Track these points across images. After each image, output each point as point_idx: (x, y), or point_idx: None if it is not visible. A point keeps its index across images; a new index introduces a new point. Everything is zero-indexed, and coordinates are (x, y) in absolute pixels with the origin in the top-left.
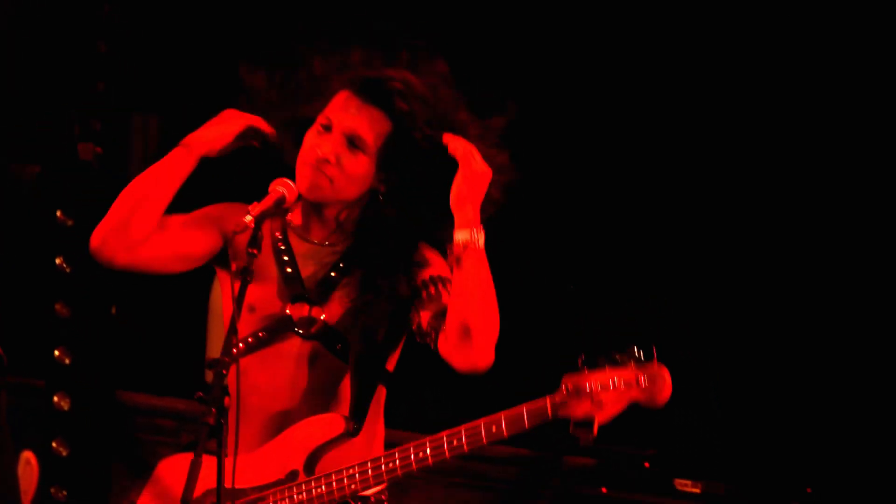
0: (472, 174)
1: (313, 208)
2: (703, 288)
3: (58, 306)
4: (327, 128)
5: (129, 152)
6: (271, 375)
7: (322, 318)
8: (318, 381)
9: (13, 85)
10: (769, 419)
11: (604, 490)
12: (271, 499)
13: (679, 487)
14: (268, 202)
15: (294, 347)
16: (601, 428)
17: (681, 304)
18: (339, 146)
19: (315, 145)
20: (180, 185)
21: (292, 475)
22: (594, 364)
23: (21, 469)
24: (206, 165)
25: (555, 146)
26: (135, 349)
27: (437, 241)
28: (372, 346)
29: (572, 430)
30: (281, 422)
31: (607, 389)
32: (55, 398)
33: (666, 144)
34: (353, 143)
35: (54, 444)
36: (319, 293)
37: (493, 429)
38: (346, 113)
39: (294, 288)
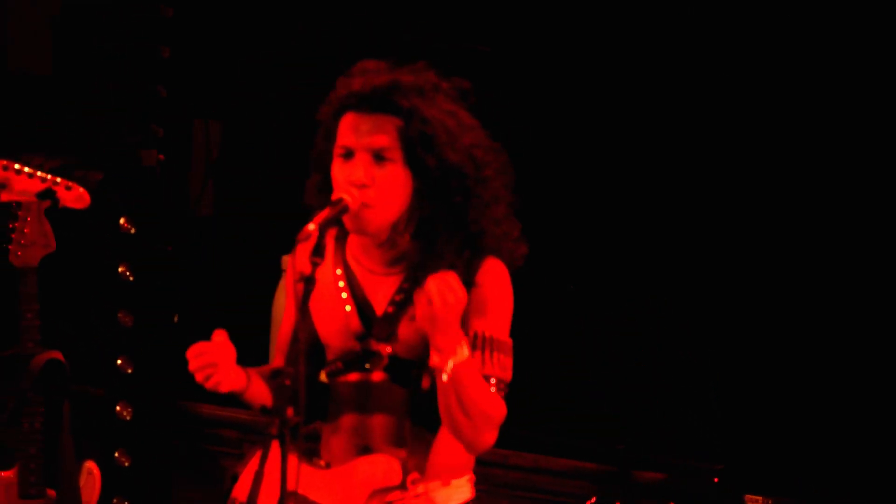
0: (421, 316)
1: (370, 241)
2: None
3: (120, 315)
4: (349, 154)
5: (190, 159)
6: (357, 395)
7: (388, 353)
8: (396, 411)
9: (76, 91)
10: (841, 432)
11: None
12: None
13: (749, 503)
14: (331, 210)
15: (369, 379)
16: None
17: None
18: (369, 165)
19: (345, 175)
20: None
21: None
22: None
23: (83, 479)
24: None
25: (554, 146)
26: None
27: (497, 237)
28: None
29: None
30: (366, 440)
31: None
32: (117, 408)
33: (664, 145)
34: (380, 155)
35: (116, 455)
36: (384, 327)
37: None
38: (359, 132)
39: (355, 325)
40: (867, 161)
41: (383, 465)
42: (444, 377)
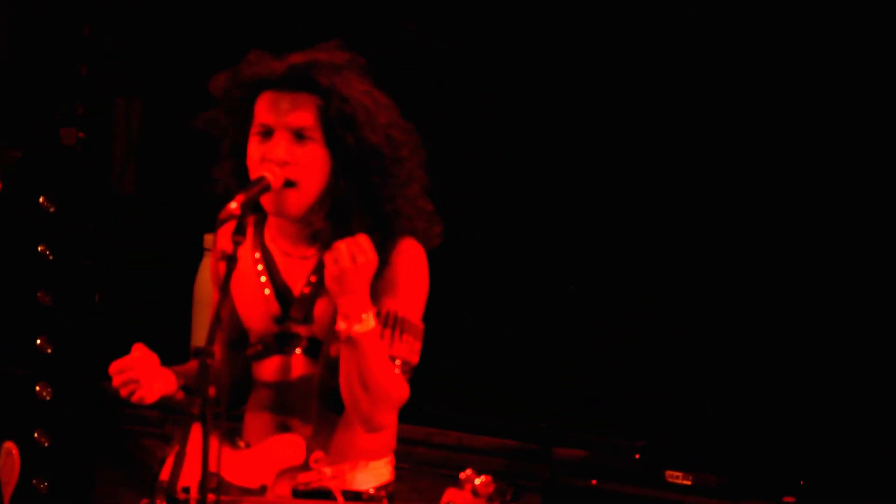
0: (328, 277)
1: (287, 222)
2: (694, 281)
3: (40, 294)
4: (268, 132)
5: (111, 137)
6: (276, 375)
7: (305, 335)
8: (311, 392)
9: None
10: (761, 411)
11: (594, 482)
12: None
13: (670, 479)
14: (253, 189)
15: (289, 359)
16: (594, 419)
17: (671, 297)
18: (289, 144)
19: (263, 153)
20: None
21: (262, 489)
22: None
23: (2, 460)
24: None
25: (554, 147)
26: (118, 338)
27: (411, 217)
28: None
29: None
30: (284, 420)
31: None
32: (37, 387)
33: (661, 144)
34: (301, 134)
35: (36, 435)
36: (300, 309)
37: None
38: (279, 109)
39: (274, 309)
40: (859, 161)
41: (290, 444)
42: (346, 339)
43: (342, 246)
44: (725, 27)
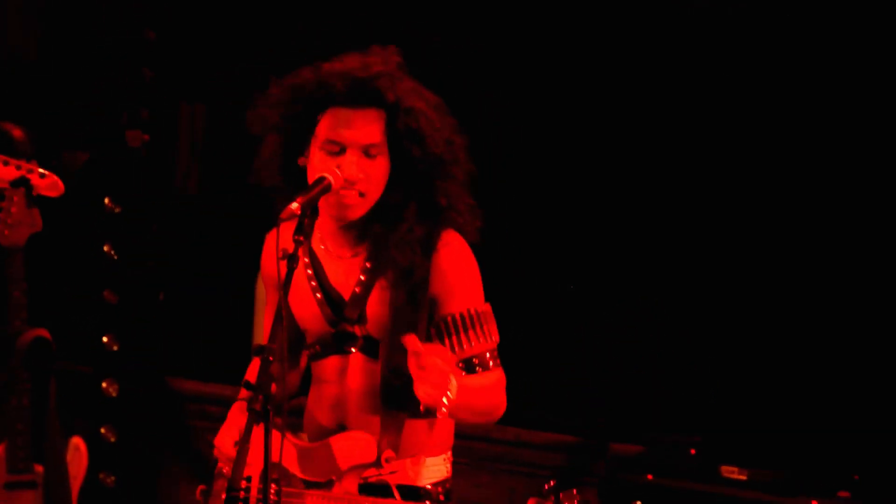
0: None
1: (340, 227)
2: (749, 278)
3: (106, 293)
4: (341, 149)
5: (176, 141)
6: (335, 374)
7: (361, 334)
8: (371, 390)
9: (62, 72)
10: (817, 406)
11: (650, 477)
12: (308, 499)
13: (725, 475)
14: (313, 190)
15: (346, 359)
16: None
17: (725, 292)
18: (362, 161)
19: (336, 169)
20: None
21: (329, 483)
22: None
23: (70, 455)
24: None
25: (554, 147)
26: (183, 336)
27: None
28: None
29: None
30: (343, 418)
31: None
32: (103, 385)
33: (659, 144)
34: (369, 152)
35: (103, 431)
36: (353, 310)
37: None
38: (350, 127)
39: (327, 311)
40: (840, 164)
41: (360, 442)
42: (445, 411)
43: (423, 359)
44: (726, 27)
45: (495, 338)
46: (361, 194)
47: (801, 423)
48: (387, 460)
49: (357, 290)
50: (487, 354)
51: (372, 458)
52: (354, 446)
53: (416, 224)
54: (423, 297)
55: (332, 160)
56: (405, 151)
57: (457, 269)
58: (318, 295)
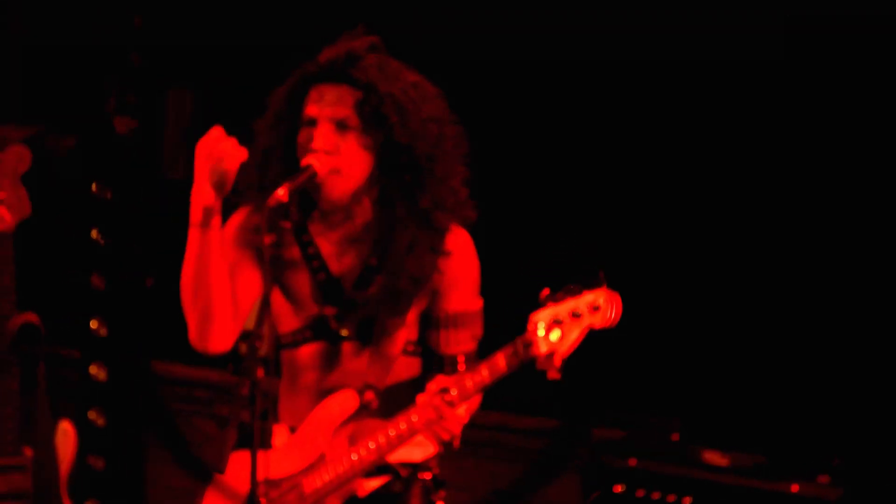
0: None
1: (333, 213)
2: (734, 259)
3: (94, 278)
4: (312, 122)
5: (164, 126)
6: (325, 359)
7: (353, 321)
8: (359, 375)
9: (49, 58)
10: (798, 391)
11: (632, 462)
12: (305, 484)
13: (707, 460)
14: (300, 177)
15: (339, 345)
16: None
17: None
18: (331, 133)
19: (308, 142)
20: (217, 258)
21: (321, 458)
22: (556, 297)
23: (59, 438)
24: None
25: (555, 148)
26: (170, 320)
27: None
28: (396, 324)
29: (538, 367)
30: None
31: (578, 316)
32: (92, 369)
33: (655, 143)
34: (342, 124)
35: (91, 415)
36: (348, 297)
37: (478, 378)
38: (322, 102)
39: (323, 297)
40: (859, 160)
41: (341, 398)
42: (457, 442)
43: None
44: (725, 27)
45: (479, 335)
46: (335, 170)
47: (782, 407)
48: (374, 395)
49: (353, 278)
50: (475, 350)
51: (355, 405)
52: (335, 405)
53: (412, 222)
54: (424, 288)
55: (306, 133)
56: (374, 135)
57: (461, 267)
58: (319, 277)
